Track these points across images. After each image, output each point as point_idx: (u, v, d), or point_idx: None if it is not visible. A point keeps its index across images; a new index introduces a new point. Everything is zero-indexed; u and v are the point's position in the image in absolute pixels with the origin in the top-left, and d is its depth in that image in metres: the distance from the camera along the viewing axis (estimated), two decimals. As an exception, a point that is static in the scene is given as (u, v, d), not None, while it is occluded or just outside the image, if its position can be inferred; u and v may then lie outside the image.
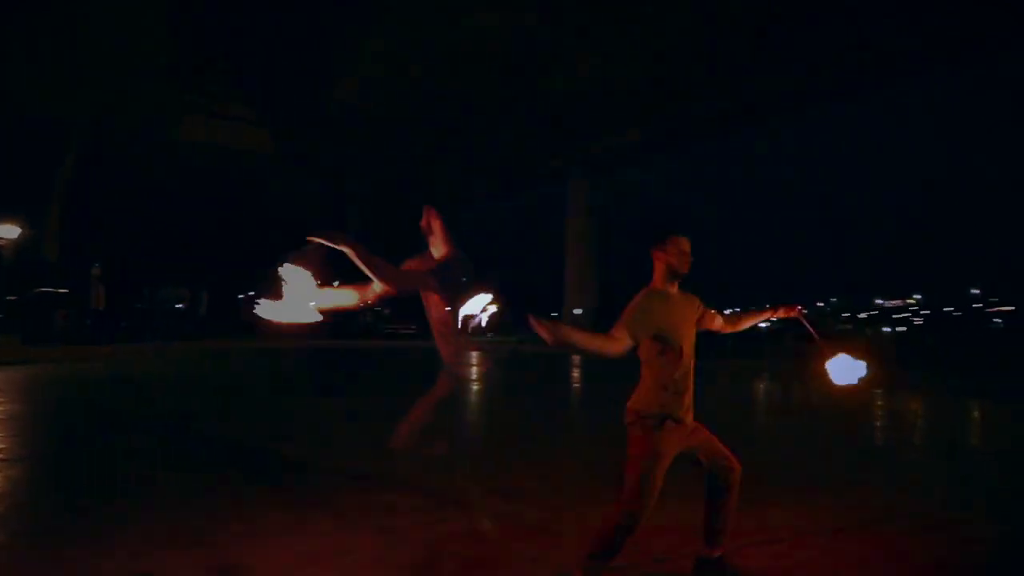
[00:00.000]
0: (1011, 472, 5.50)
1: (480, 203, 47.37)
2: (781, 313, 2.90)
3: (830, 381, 2.75)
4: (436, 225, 3.59)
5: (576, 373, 14.99)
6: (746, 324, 2.91)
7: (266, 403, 9.11)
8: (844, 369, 2.70)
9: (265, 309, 2.85)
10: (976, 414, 9.66)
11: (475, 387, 11.22)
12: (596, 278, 33.14)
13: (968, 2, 18.35)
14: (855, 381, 2.67)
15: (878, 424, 8.25)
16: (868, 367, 2.69)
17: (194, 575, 2.78)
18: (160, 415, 7.65)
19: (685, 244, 2.57)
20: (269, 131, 29.68)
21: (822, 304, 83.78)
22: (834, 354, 2.72)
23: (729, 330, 2.86)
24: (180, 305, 29.89)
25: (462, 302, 3.42)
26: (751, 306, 3.40)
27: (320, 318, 2.98)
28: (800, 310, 2.86)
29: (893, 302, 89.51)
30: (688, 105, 25.77)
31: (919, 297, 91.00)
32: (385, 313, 49.91)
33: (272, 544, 3.13)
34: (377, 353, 21.64)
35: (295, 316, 2.86)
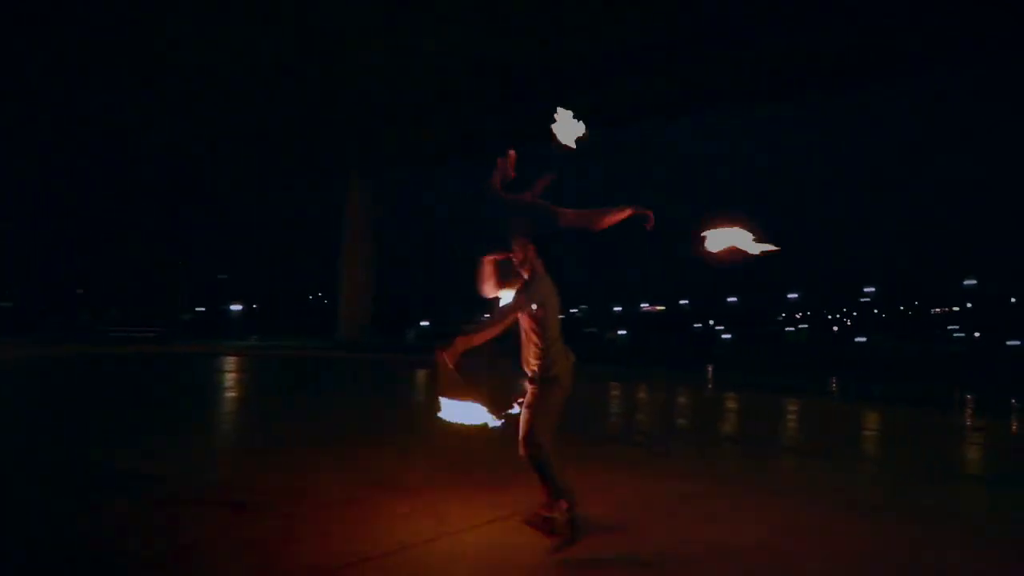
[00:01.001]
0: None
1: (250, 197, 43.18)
2: None
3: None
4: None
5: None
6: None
7: None
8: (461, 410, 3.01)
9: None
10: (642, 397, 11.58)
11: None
12: (373, 279, 31.92)
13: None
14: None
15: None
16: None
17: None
18: None
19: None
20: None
21: (575, 311, 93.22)
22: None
23: None
24: None
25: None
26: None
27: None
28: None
29: (657, 307, 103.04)
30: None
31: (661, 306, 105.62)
32: (112, 313, 42.33)
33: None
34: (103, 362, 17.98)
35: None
